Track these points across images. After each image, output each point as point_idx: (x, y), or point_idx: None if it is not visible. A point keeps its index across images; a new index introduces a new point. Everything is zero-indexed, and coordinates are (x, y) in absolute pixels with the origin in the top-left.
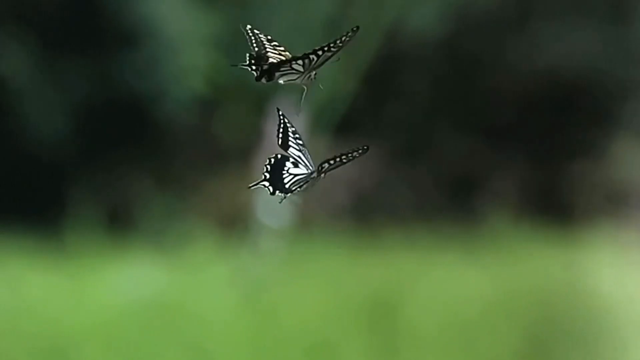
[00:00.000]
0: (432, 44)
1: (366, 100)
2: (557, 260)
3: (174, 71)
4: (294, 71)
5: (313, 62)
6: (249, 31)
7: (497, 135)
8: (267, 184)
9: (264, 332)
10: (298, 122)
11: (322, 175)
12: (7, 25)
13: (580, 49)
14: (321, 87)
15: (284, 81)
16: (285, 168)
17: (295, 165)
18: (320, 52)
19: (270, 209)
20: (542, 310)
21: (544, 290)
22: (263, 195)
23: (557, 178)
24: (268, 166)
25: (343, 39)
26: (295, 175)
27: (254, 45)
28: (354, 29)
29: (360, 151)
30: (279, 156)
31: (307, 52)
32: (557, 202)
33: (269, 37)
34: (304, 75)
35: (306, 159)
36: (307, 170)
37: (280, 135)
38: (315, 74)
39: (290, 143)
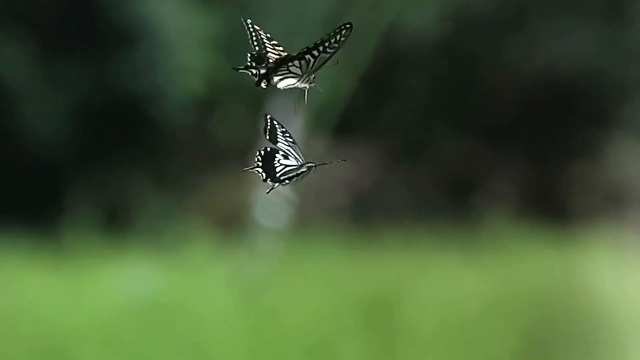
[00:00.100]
0: (430, 44)
1: (365, 101)
2: (556, 261)
3: (172, 71)
4: (292, 74)
5: (310, 64)
6: (250, 26)
7: (496, 136)
8: (260, 170)
9: (262, 332)
10: (297, 123)
11: (313, 168)
12: (5, 25)
13: (579, 49)
14: (322, 91)
15: (283, 87)
16: (276, 159)
17: (286, 157)
18: (315, 52)
19: (269, 209)
20: (541, 310)
21: (542, 290)
22: (261, 195)
23: (555, 178)
24: (259, 156)
25: (338, 37)
26: (287, 165)
27: (255, 42)
28: (347, 25)
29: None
30: (269, 149)
31: (302, 51)
32: (556, 202)
33: (269, 35)
34: (302, 79)
35: (296, 152)
36: (297, 162)
37: (268, 132)
38: (314, 77)
39: (278, 139)
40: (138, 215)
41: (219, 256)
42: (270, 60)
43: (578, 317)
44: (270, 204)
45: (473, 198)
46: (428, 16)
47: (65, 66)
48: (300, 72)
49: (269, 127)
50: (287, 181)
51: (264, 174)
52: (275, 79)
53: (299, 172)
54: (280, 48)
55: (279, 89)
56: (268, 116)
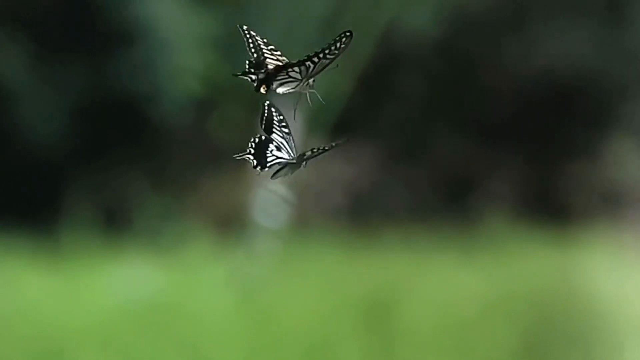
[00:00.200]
0: (428, 45)
1: (363, 101)
2: (555, 261)
3: (170, 71)
4: (291, 79)
5: (310, 69)
6: (246, 33)
7: (494, 136)
8: (251, 157)
9: (261, 332)
10: (295, 123)
11: (304, 163)
12: (4, 25)
13: (578, 50)
14: (322, 102)
15: (282, 91)
16: (269, 149)
17: (279, 149)
18: (316, 59)
19: (267, 209)
20: (540, 310)
21: (541, 291)
22: (259, 195)
23: (554, 179)
24: (253, 144)
25: (338, 45)
26: (278, 157)
27: (252, 49)
28: (347, 33)
29: (340, 142)
30: (263, 137)
31: (302, 59)
32: (554, 202)
33: (265, 40)
34: (302, 83)
35: (289, 146)
36: (289, 156)
37: (264, 122)
38: (314, 80)
39: (274, 129)
40: (136, 215)
41: (217, 256)
42: (270, 66)
43: (577, 317)
44: (269, 204)
45: (471, 198)
46: (426, 16)
47: (64, 66)
48: (299, 77)
49: (265, 115)
50: (277, 173)
51: (255, 161)
52: (275, 83)
53: (289, 163)
54: (278, 52)
55: (278, 93)
56: (267, 104)
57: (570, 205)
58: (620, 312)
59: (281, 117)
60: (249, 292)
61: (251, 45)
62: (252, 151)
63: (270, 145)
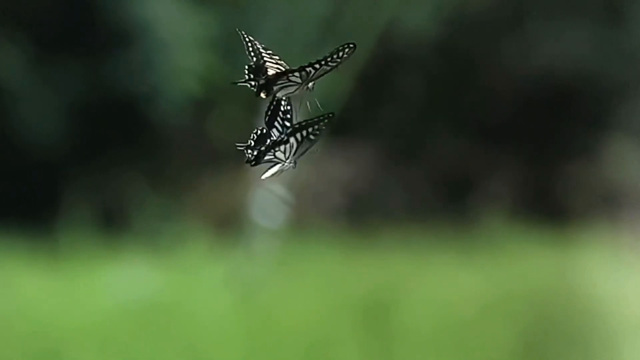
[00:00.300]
0: (427, 45)
1: (362, 101)
2: (553, 261)
3: (168, 72)
4: (291, 82)
5: (311, 75)
6: (245, 37)
7: (492, 136)
8: (249, 151)
9: (259, 333)
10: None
11: (293, 164)
12: (2, 26)
13: (575, 50)
14: (321, 109)
15: (282, 95)
16: (267, 143)
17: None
18: (317, 66)
19: (265, 209)
20: (537, 310)
21: (538, 291)
22: (258, 196)
23: (552, 179)
24: (255, 135)
25: (341, 54)
26: (274, 155)
27: (251, 53)
28: (351, 45)
29: (326, 120)
30: (265, 130)
31: (303, 65)
32: (552, 202)
33: (264, 45)
34: (302, 87)
35: (291, 147)
36: (284, 156)
37: (269, 113)
38: (314, 84)
39: (276, 124)
40: (135, 215)
41: (215, 257)
42: (269, 70)
43: (575, 318)
44: (268, 204)
45: (470, 198)
46: (426, 16)
47: (62, 67)
48: (299, 81)
49: (272, 108)
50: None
51: (251, 155)
52: (275, 88)
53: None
54: (277, 57)
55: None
56: (277, 98)
57: (569, 206)
58: (619, 312)
59: (288, 110)
60: (248, 292)
61: (250, 49)
62: (253, 143)
63: (269, 140)
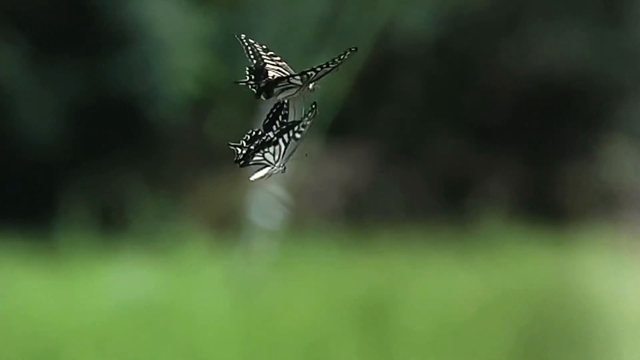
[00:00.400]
0: (426, 45)
1: (360, 101)
2: (551, 262)
3: (166, 72)
4: (292, 85)
5: (312, 77)
6: (244, 41)
7: (490, 137)
8: (239, 150)
9: (257, 334)
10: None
11: (283, 167)
12: (0, 26)
13: (574, 50)
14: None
15: (283, 97)
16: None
17: (268, 149)
18: (318, 69)
19: (264, 210)
20: (536, 311)
21: (537, 292)
22: (256, 196)
23: (550, 179)
24: (248, 136)
25: (342, 57)
26: (264, 157)
27: (251, 56)
28: (352, 49)
29: (309, 114)
30: (260, 132)
31: (305, 70)
32: (550, 203)
33: (264, 47)
34: (302, 89)
35: (280, 151)
36: (273, 159)
37: (270, 116)
38: (314, 85)
39: (273, 127)
40: (133, 216)
41: (214, 257)
42: (270, 72)
43: (574, 318)
44: (266, 205)
45: (468, 199)
46: (424, 17)
47: (60, 67)
48: (300, 83)
49: (274, 111)
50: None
51: (241, 155)
52: (275, 90)
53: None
54: (278, 58)
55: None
56: (279, 101)
57: (568, 206)
58: (618, 312)
59: (285, 117)
60: (247, 293)
61: (250, 52)
62: (244, 144)
63: (258, 140)
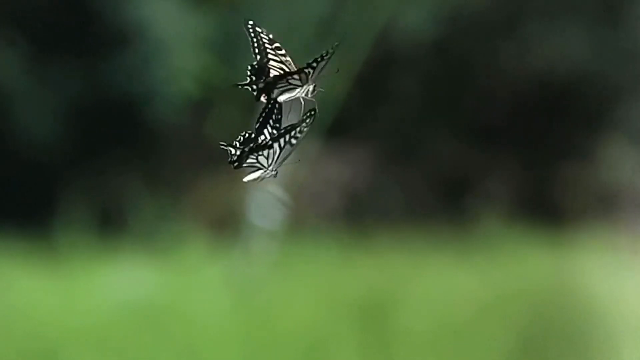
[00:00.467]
0: (424, 46)
1: (359, 102)
2: (550, 262)
3: (166, 73)
4: (291, 85)
5: (310, 75)
6: (251, 30)
7: (490, 137)
8: (232, 151)
9: (256, 334)
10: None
11: (274, 172)
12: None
13: (574, 51)
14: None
15: (284, 99)
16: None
17: (262, 151)
18: (314, 64)
19: (263, 210)
20: (535, 312)
21: (536, 292)
22: (255, 197)
23: (549, 180)
24: (242, 137)
25: (332, 48)
26: (257, 160)
27: (256, 50)
28: (341, 39)
29: (307, 120)
30: (253, 135)
31: (302, 67)
32: (549, 204)
33: (271, 37)
34: (303, 90)
35: (274, 154)
36: (266, 163)
37: (261, 120)
38: (315, 85)
39: (265, 131)
40: (132, 216)
41: (213, 258)
42: (272, 72)
43: (573, 319)
44: (265, 205)
45: (467, 200)
46: (422, 18)
47: (59, 68)
48: (300, 83)
49: (266, 111)
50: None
51: (234, 156)
52: (275, 91)
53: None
54: (282, 52)
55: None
56: (272, 103)
57: (565, 207)
58: (617, 313)
59: (278, 120)
60: (246, 293)
61: (255, 45)
62: (237, 145)
63: (253, 143)
